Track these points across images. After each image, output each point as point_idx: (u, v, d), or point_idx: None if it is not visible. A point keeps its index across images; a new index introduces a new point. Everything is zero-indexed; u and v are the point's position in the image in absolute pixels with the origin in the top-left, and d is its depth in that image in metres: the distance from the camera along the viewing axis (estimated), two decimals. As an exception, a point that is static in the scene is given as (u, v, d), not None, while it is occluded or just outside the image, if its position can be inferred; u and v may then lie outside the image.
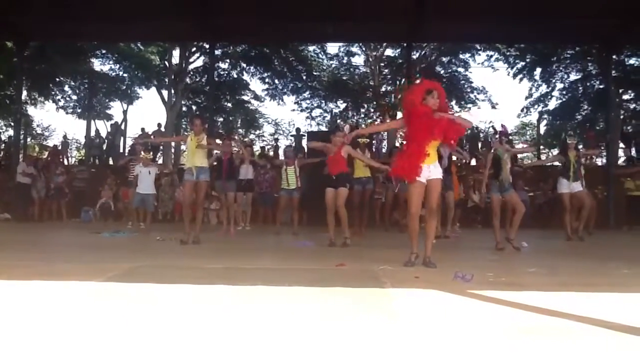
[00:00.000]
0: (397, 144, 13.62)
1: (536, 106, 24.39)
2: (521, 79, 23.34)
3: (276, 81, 24.89)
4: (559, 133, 23.62)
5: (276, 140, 24.99)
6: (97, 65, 24.05)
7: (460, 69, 23.98)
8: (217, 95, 22.95)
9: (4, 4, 13.35)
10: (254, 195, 11.70)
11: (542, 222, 13.32)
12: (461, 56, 23.45)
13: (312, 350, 2.12)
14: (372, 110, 24.86)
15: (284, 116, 43.76)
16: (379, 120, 23.28)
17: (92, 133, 22.67)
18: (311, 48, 23.67)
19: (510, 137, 8.50)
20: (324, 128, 23.48)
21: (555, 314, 2.80)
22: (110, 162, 18.73)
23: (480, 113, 24.74)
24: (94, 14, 13.76)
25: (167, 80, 22.99)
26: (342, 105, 25.44)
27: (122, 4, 13.34)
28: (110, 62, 23.60)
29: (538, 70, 23.10)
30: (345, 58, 24.32)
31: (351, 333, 2.38)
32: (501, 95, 41.04)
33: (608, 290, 3.69)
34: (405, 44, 18.37)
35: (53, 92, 24.33)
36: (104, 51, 22.90)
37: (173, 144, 20.64)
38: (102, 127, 24.55)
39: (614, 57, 18.20)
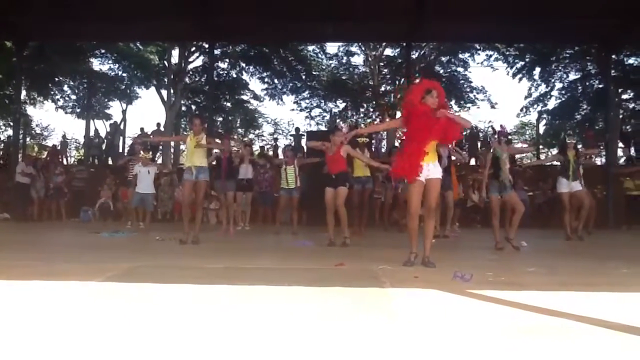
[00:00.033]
0: (397, 144, 13.60)
1: (535, 106, 24.44)
2: (520, 79, 23.39)
3: (275, 81, 24.90)
4: (558, 133, 23.69)
5: (275, 140, 25.02)
6: (96, 65, 24.12)
7: (460, 69, 24.02)
8: (216, 95, 22.94)
9: (4, 3, 13.34)
10: (253, 195, 11.69)
11: (541, 221, 13.33)
12: (460, 56, 23.47)
13: (311, 350, 2.11)
14: (371, 109, 24.88)
15: (283, 116, 43.89)
16: (378, 120, 23.29)
17: (92, 133, 22.68)
18: (310, 48, 23.69)
19: (510, 137, 8.48)
20: (323, 128, 23.48)
21: (554, 314, 2.80)
22: (110, 162, 18.73)
23: (479, 113, 24.81)
24: (94, 14, 13.75)
25: (166, 79, 22.99)
26: (341, 105, 25.46)
27: (122, 4, 13.34)
28: (110, 62, 23.65)
29: (537, 70, 23.14)
30: (345, 58, 24.37)
31: (350, 333, 2.38)
32: (500, 95, 40.99)
33: (607, 290, 3.69)
34: (404, 44, 18.38)
35: (52, 92, 24.33)
36: (103, 51, 22.90)
37: (172, 143, 20.65)
38: (102, 127, 24.63)
39: (613, 56, 18.21)
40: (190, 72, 23.97)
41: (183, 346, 2.16)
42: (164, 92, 22.95)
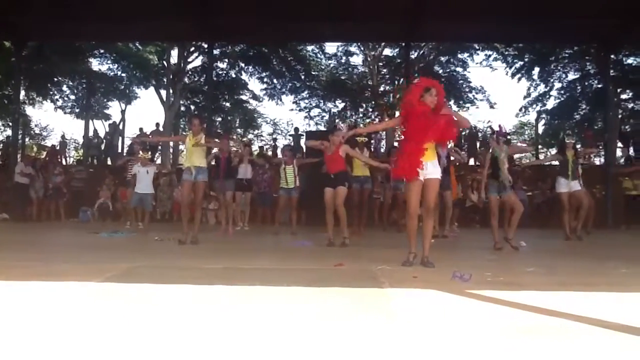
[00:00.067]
0: (396, 144, 13.61)
1: (534, 106, 24.47)
2: (519, 79, 23.40)
3: (275, 81, 24.91)
4: (557, 133, 23.72)
5: (274, 140, 25.01)
6: (95, 65, 24.13)
7: (459, 69, 24.04)
8: (215, 95, 22.94)
9: (3, 3, 13.34)
10: (252, 195, 11.69)
11: (540, 221, 13.34)
12: (459, 56, 23.48)
13: (310, 350, 2.11)
14: (370, 109, 24.89)
15: (283, 116, 43.91)
16: (377, 120, 23.30)
17: (90, 133, 22.67)
18: (310, 48, 23.70)
19: (509, 137, 8.48)
20: (322, 128, 23.49)
21: (553, 314, 2.80)
22: (109, 162, 18.73)
23: (478, 113, 24.82)
24: (94, 14, 13.74)
25: (165, 80, 22.99)
26: (340, 104, 25.47)
27: (121, 4, 13.33)
28: (109, 62, 23.65)
29: (536, 70, 23.16)
30: (344, 58, 24.39)
31: (349, 333, 2.38)
32: (499, 94, 41.08)
33: (606, 290, 3.69)
34: (403, 44, 18.39)
35: (51, 92, 24.34)
36: (102, 51, 22.90)
37: (171, 143, 20.64)
38: (100, 127, 24.62)
39: (612, 56, 18.22)
40: (190, 72, 23.97)
41: (182, 347, 2.16)
42: (163, 92, 22.94)
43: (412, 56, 20.77)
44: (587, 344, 2.22)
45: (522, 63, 22.84)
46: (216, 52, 21.08)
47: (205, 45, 19.45)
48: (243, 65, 24.47)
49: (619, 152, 18.90)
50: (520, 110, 25.01)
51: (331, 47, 23.93)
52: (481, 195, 7.71)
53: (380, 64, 23.94)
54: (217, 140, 9.75)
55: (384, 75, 24.34)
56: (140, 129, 19.42)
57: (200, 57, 23.06)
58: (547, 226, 12.58)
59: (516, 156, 16.77)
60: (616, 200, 14.16)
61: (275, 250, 7.23)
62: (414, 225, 4.97)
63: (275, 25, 15.01)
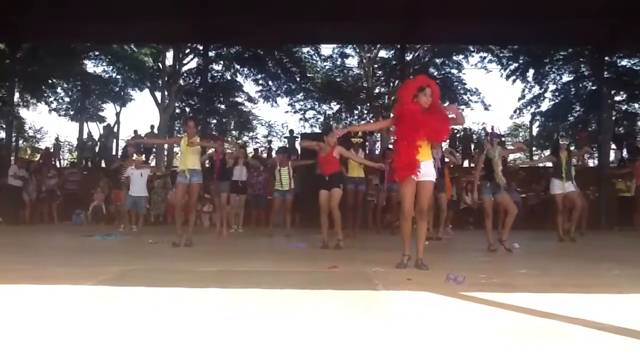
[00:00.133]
0: (390, 146, 13.64)
1: (529, 107, 24.56)
2: (514, 81, 23.48)
3: (270, 83, 24.92)
4: (551, 134, 23.79)
5: (269, 142, 25.00)
6: (90, 67, 24.05)
7: (454, 71, 24.11)
8: (210, 97, 22.93)
9: (1, 4, 13.31)
10: (247, 197, 11.68)
11: (534, 223, 13.39)
12: (455, 58, 23.55)
13: (304, 353, 2.11)
14: (365, 111, 24.90)
15: (278, 118, 43.74)
16: (372, 121, 23.31)
17: (85, 135, 22.60)
18: (305, 50, 23.70)
19: (503, 139, 8.53)
20: (317, 130, 23.50)
21: (547, 315, 2.80)
22: (103, 165, 18.68)
23: (473, 114, 24.85)
24: (93, 15, 13.81)
25: (160, 82, 22.95)
26: (335, 106, 25.49)
27: (120, 6, 13.32)
28: (104, 64, 23.61)
29: (531, 72, 23.22)
30: (339, 60, 24.42)
31: (344, 336, 2.37)
32: (494, 96, 41.16)
33: (600, 292, 3.69)
34: (399, 46, 18.43)
35: (45, 94, 24.25)
36: (97, 53, 22.85)
37: (166, 146, 20.61)
38: (95, 130, 24.51)
39: (606, 58, 18.33)
40: (185, 74, 23.94)
41: (176, 350, 2.14)
42: (158, 95, 22.90)
43: (408, 58, 20.81)
44: (581, 346, 2.22)
45: (516, 65, 22.92)
46: (211, 54, 21.07)
47: (200, 47, 19.46)
48: (238, 67, 24.46)
49: (612, 154, 18.97)
50: (515, 112, 25.15)
51: (326, 49, 24.01)
52: (473, 196, 7.73)
53: (376, 66, 23.99)
54: (211, 141, 9.75)
55: (379, 77, 24.38)
56: (135, 131, 19.39)
57: (195, 59, 23.07)
58: (541, 228, 12.61)
59: (511, 157, 16.83)
60: (609, 201, 14.22)
61: (269, 252, 7.22)
62: (407, 228, 4.96)
63: (273, 26, 15.07)
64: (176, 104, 23.86)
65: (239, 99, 26.24)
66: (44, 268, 4.74)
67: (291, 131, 21.46)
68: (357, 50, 23.68)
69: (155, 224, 13.60)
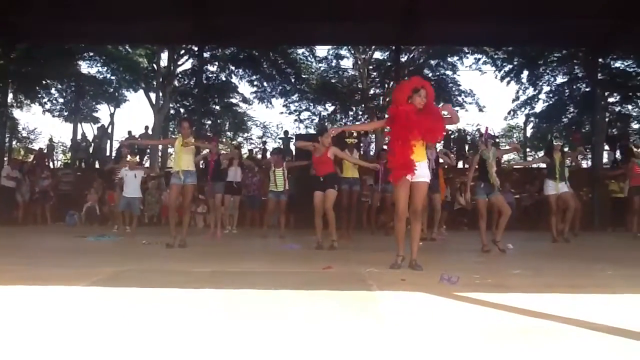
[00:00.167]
0: (385, 146, 13.68)
1: (523, 109, 24.64)
2: (508, 82, 23.55)
3: (265, 84, 24.91)
4: (545, 136, 23.89)
5: (264, 143, 24.99)
6: (85, 67, 23.96)
7: (448, 72, 24.16)
8: (205, 98, 22.91)
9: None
10: (241, 198, 11.68)
11: (528, 224, 13.43)
12: (449, 59, 23.60)
13: (299, 354, 2.10)
14: (360, 113, 24.93)
15: (273, 119, 43.84)
16: (367, 122, 23.33)
17: (79, 136, 22.53)
18: (300, 51, 23.71)
19: (497, 140, 8.58)
20: (312, 131, 23.49)
21: (541, 316, 2.81)
22: (97, 166, 18.62)
23: (467, 115, 24.89)
24: (92, 15, 13.73)
25: (155, 83, 22.91)
26: (330, 108, 25.50)
27: (118, 6, 13.28)
28: (98, 65, 23.52)
29: (525, 73, 23.30)
30: (334, 61, 24.44)
31: (338, 336, 2.37)
32: (488, 98, 41.24)
33: (593, 292, 3.71)
34: (393, 47, 18.47)
35: (39, 95, 24.14)
36: (91, 53, 22.76)
37: (160, 146, 20.57)
38: (89, 130, 24.46)
39: (600, 60, 18.42)
40: (179, 75, 23.90)
41: (170, 351, 2.14)
42: (153, 95, 22.86)
43: (402, 59, 20.86)
44: (575, 346, 2.23)
45: (511, 66, 23.00)
46: (206, 55, 21.05)
47: (195, 48, 19.43)
48: (233, 68, 24.45)
49: (605, 155, 19.06)
50: (509, 113, 25.23)
51: (321, 50, 24.01)
52: (465, 197, 7.75)
53: (371, 67, 24.02)
54: (206, 142, 9.75)
55: (374, 78, 24.42)
56: (129, 132, 19.34)
57: (190, 60, 23.03)
58: (534, 229, 12.65)
59: (505, 158, 16.89)
60: (602, 202, 14.28)
61: (263, 253, 7.21)
62: (402, 228, 4.97)
63: (272, 26, 15.08)
64: (171, 105, 23.81)
65: (233, 100, 26.24)
66: (38, 269, 4.72)
67: (286, 132, 21.48)
68: (352, 52, 23.71)
69: (149, 225, 13.57)
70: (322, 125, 22.87)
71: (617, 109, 23.15)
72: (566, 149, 10.19)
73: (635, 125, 23.82)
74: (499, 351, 2.15)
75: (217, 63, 24.10)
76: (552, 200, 8.85)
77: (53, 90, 24.51)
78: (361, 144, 16.82)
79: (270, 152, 14.14)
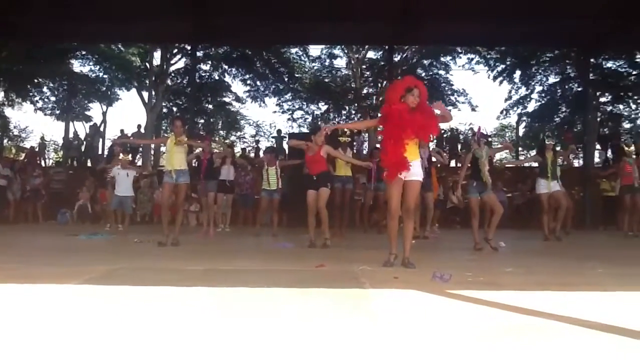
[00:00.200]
0: (378, 145, 13.70)
1: (515, 108, 24.70)
2: (501, 82, 23.60)
3: (258, 83, 24.86)
4: (537, 135, 23.97)
5: (257, 142, 24.96)
6: (77, 66, 23.83)
7: (441, 72, 24.18)
8: (198, 97, 22.81)
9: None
10: (234, 197, 11.66)
11: (520, 222, 13.48)
12: (442, 59, 23.62)
13: (292, 351, 2.11)
14: (353, 112, 24.94)
15: (266, 118, 43.74)
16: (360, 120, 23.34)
17: (71, 134, 22.42)
18: (293, 50, 23.67)
19: (490, 139, 8.61)
20: (305, 130, 23.48)
21: (533, 313, 2.82)
22: (89, 164, 18.54)
23: (460, 115, 24.93)
24: (93, 15, 13.62)
25: (147, 81, 22.80)
26: (323, 107, 25.49)
27: (117, 6, 13.22)
28: (91, 63, 23.37)
29: (518, 73, 23.36)
30: (327, 60, 24.39)
31: (331, 334, 2.38)
32: (481, 97, 41.38)
33: (585, 290, 3.73)
34: (387, 47, 18.47)
35: (31, 94, 23.98)
36: (84, 52, 22.64)
37: (153, 145, 20.50)
38: (81, 129, 24.32)
39: (592, 60, 18.51)
40: (172, 74, 23.80)
41: (162, 349, 2.13)
42: (145, 94, 22.75)
43: (396, 59, 20.87)
44: (566, 343, 2.24)
45: (503, 66, 23.06)
46: (199, 54, 20.98)
47: (188, 47, 19.34)
48: (226, 67, 24.37)
49: (597, 155, 19.17)
50: (502, 112, 25.28)
51: (315, 50, 23.98)
52: (457, 194, 7.78)
53: (364, 66, 24.01)
54: (199, 141, 9.72)
55: (367, 78, 24.41)
56: (122, 131, 19.27)
57: (183, 59, 22.94)
58: (526, 227, 12.71)
59: (497, 157, 16.95)
60: (594, 201, 14.36)
61: (256, 251, 7.20)
62: (394, 226, 4.98)
63: (269, 26, 14.98)
64: (163, 104, 23.73)
65: (226, 99, 26.17)
66: (29, 267, 4.69)
67: (279, 131, 21.44)
68: (346, 51, 23.70)
69: (141, 224, 13.52)
70: (315, 125, 22.85)
71: (609, 108, 23.27)
72: (558, 148, 10.23)
73: (626, 125, 24.02)
74: (491, 349, 2.16)
75: (210, 62, 24.03)
76: (544, 198, 8.90)
77: (45, 89, 24.37)
78: (354, 143, 16.81)
79: (263, 151, 14.12)
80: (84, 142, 20.64)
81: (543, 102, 24.03)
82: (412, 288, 3.61)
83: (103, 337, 2.29)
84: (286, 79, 24.30)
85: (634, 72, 21.45)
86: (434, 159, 9.43)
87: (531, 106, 24.43)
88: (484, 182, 7.03)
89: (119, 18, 13.86)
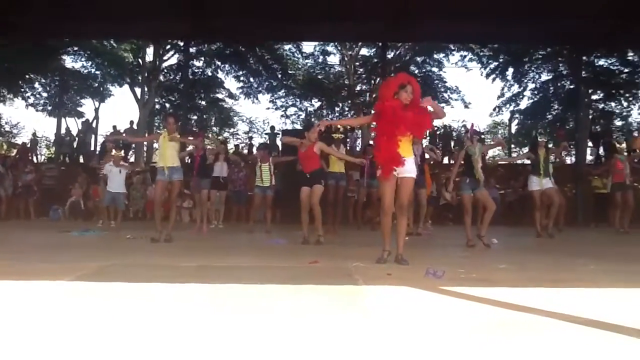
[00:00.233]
0: (371, 142, 13.71)
1: (508, 106, 24.80)
2: (494, 79, 23.67)
3: (251, 79, 24.79)
4: (530, 132, 24.09)
5: (250, 138, 24.92)
6: (69, 62, 23.67)
7: (435, 69, 24.21)
8: (191, 93, 22.74)
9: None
10: (227, 193, 11.63)
11: (512, 219, 13.53)
12: (435, 56, 23.65)
13: (285, 348, 2.11)
14: (346, 109, 24.94)
15: (259, 114, 43.52)
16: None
17: (63, 130, 22.30)
18: (287, 47, 23.62)
19: (483, 136, 8.64)
20: (298, 126, 23.46)
21: (525, 309, 2.84)
22: (81, 161, 18.45)
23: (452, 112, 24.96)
24: (93, 15, 13.53)
25: (140, 77, 22.68)
26: (316, 103, 25.47)
27: (117, 7, 13.14)
28: (83, 59, 23.22)
29: (510, 71, 23.45)
30: (321, 57, 24.37)
31: (325, 330, 2.38)
32: (474, 94, 41.46)
33: (576, 286, 3.75)
34: (380, 44, 18.46)
35: (22, 89, 23.83)
36: (75, 48, 22.48)
37: (145, 142, 20.40)
38: (73, 125, 24.21)
39: (584, 58, 18.57)
40: (165, 70, 23.69)
41: (155, 345, 2.13)
42: (138, 90, 22.61)
43: (389, 56, 20.87)
44: (558, 339, 2.26)
45: (496, 64, 23.11)
46: (192, 50, 20.88)
47: (181, 43, 19.25)
48: (219, 63, 24.29)
49: (589, 152, 19.27)
50: (494, 110, 25.33)
51: (308, 47, 23.95)
52: (448, 189, 7.80)
53: (357, 63, 24.00)
54: (191, 138, 9.69)
55: (360, 74, 24.41)
56: (114, 127, 19.20)
57: (176, 55, 22.85)
58: (519, 224, 12.75)
59: (489, 154, 17.00)
60: (586, 198, 14.44)
61: (249, 248, 7.19)
62: (388, 223, 4.98)
63: (264, 24, 14.92)
64: (156, 100, 23.61)
65: (219, 95, 26.09)
66: (21, 264, 4.67)
67: (272, 127, 21.43)
68: (339, 48, 23.68)
69: (134, 220, 13.48)
70: (308, 121, 22.84)
71: (601, 106, 23.38)
72: (550, 145, 10.28)
73: (618, 122, 24.15)
74: (483, 344, 2.17)
75: (203, 58, 23.94)
76: (536, 195, 8.94)
77: (37, 85, 24.23)
78: (347, 139, 16.83)
79: (256, 147, 14.09)
80: (76, 138, 20.54)
81: (535, 99, 24.12)
82: (405, 284, 3.62)
83: (95, 333, 2.29)
84: (279, 76, 24.24)
85: (626, 70, 21.57)
86: (427, 156, 9.45)
87: (524, 103, 24.57)
88: (476, 178, 7.05)
89: (118, 18, 13.79)
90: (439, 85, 24.08)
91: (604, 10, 13.01)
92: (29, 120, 41.70)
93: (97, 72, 23.42)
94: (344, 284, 3.67)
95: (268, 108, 26.13)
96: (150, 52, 22.52)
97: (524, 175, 11.75)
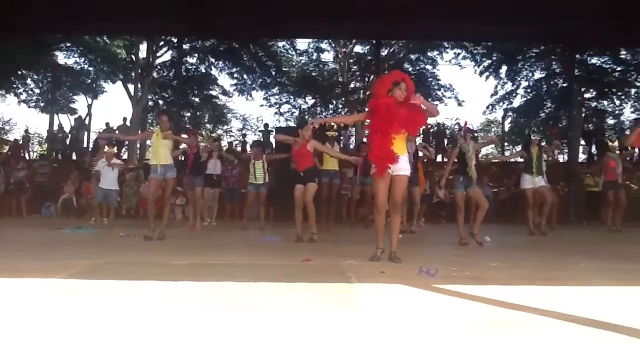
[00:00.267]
0: (365, 139, 13.72)
1: (501, 103, 24.84)
2: (487, 77, 23.69)
3: (245, 76, 24.73)
4: (523, 130, 24.16)
5: (244, 135, 24.88)
6: (62, 58, 23.51)
7: (428, 67, 24.22)
8: (184, 90, 22.67)
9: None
10: (220, 191, 11.62)
11: (505, 217, 13.58)
12: (429, 54, 23.66)
13: (279, 345, 2.11)
14: (340, 106, 24.94)
15: (252, 112, 43.73)
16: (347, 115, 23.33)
17: (55, 127, 22.17)
18: (280, 44, 23.57)
19: (476, 134, 8.65)
20: (292, 124, 23.44)
21: (518, 307, 2.84)
22: (74, 157, 18.37)
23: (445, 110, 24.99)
24: (93, 14, 13.45)
25: (133, 74, 22.57)
26: (310, 101, 25.45)
27: (117, 7, 13.06)
28: (75, 56, 23.07)
29: (504, 69, 23.47)
30: (315, 54, 24.33)
31: (318, 328, 2.38)
32: (467, 92, 41.56)
33: (569, 284, 3.76)
34: (374, 41, 18.45)
35: (15, 86, 23.66)
36: (68, 44, 22.35)
37: (138, 140, 20.33)
38: (66, 122, 24.06)
39: (577, 56, 18.64)
40: (158, 67, 23.60)
41: (148, 343, 2.12)
42: (131, 87, 22.51)
43: (383, 54, 20.87)
44: (551, 336, 2.26)
45: (490, 62, 23.14)
46: (185, 46, 20.81)
47: (175, 40, 19.18)
48: (213, 60, 24.22)
49: (581, 150, 19.36)
50: (488, 107, 25.38)
51: (302, 44, 23.90)
52: (441, 185, 7.82)
53: (351, 60, 23.99)
54: (184, 136, 9.66)
55: (354, 72, 24.39)
56: (107, 124, 19.12)
57: (170, 52, 22.77)
58: (511, 222, 12.80)
59: (482, 152, 17.07)
60: (578, 196, 14.50)
61: (243, 245, 7.19)
62: (381, 221, 4.99)
63: (261, 22, 14.86)
64: (149, 97, 23.53)
65: (213, 92, 26.03)
66: (13, 261, 4.64)
67: (266, 125, 21.41)
68: (333, 45, 23.66)
69: (127, 217, 13.44)
70: (302, 118, 22.82)
71: (593, 104, 23.47)
72: (543, 144, 10.31)
73: (610, 121, 24.27)
74: (476, 342, 2.18)
75: (196, 55, 23.86)
76: (529, 194, 8.97)
77: (29, 81, 24.06)
78: (341, 137, 16.83)
79: (250, 144, 14.07)
80: (69, 135, 20.43)
81: (529, 97, 24.17)
82: (398, 282, 3.62)
83: (88, 331, 2.28)
84: (273, 73, 24.21)
85: (619, 69, 21.66)
86: (420, 154, 9.46)
87: (517, 101, 24.62)
88: (469, 176, 7.07)
89: (118, 18, 13.72)
90: (433, 83, 24.10)
91: (602, 10, 13.04)
92: (21, 116, 41.53)
93: (90, 69, 23.27)
94: (337, 282, 3.67)
95: (262, 105, 26.15)
96: (143, 48, 22.45)
97: (516, 173, 11.79)
